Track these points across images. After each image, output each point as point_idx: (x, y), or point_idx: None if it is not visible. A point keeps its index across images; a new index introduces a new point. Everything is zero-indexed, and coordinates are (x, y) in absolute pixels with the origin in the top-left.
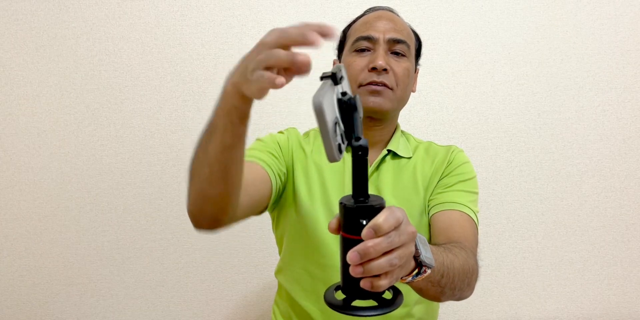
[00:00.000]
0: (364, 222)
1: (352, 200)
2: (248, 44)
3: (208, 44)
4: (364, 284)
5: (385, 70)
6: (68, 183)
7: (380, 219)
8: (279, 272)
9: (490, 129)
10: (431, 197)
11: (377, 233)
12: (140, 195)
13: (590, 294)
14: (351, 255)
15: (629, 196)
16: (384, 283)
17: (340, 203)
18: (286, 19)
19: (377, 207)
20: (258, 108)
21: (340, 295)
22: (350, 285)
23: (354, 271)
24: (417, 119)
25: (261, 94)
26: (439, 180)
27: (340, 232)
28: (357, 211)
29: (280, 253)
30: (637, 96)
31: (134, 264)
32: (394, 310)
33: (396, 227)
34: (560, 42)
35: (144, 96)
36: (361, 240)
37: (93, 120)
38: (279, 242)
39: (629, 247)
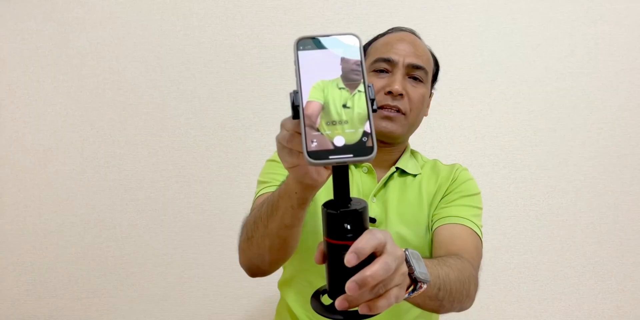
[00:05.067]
0: (348, 227)
1: (335, 206)
2: (250, 63)
3: (210, 63)
4: (362, 309)
5: (401, 95)
6: (73, 199)
7: (361, 242)
8: (282, 284)
9: (487, 146)
10: (435, 212)
11: (359, 257)
12: (143, 211)
13: (585, 308)
14: (349, 285)
15: (623, 212)
16: (381, 304)
17: (323, 209)
18: (287, 38)
19: (360, 211)
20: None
21: (326, 300)
22: (336, 290)
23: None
24: (415, 137)
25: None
26: (443, 197)
27: (325, 238)
28: (341, 216)
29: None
30: (631, 115)
31: (138, 278)
32: (378, 313)
33: (382, 252)
34: (555, 61)
35: (148, 114)
36: (346, 245)
37: (97, 138)
38: None
39: (622, 262)
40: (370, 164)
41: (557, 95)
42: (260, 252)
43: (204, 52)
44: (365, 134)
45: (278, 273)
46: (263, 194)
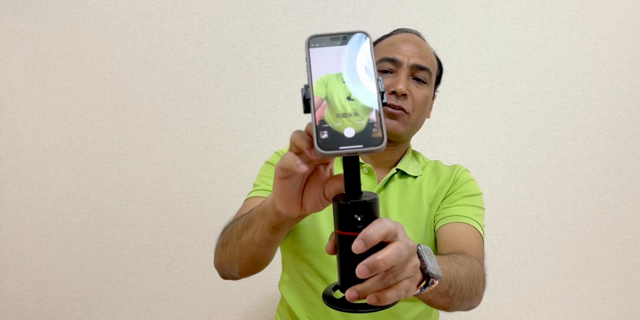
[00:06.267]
0: (359, 218)
1: (346, 197)
2: (249, 63)
3: (210, 63)
4: (370, 300)
5: (404, 95)
6: (73, 199)
7: (369, 230)
8: (282, 284)
9: (487, 146)
10: (437, 213)
11: (367, 244)
12: (143, 211)
13: (585, 308)
14: (360, 268)
15: (623, 212)
16: (391, 295)
17: (334, 201)
18: (287, 38)
19: (370, 202)
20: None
21: (339, 295)
22: (347, 282)
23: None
24: (415, 136)
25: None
26: (444, 198)
27: (336, 230)
28: (351, 207)
29: (283, 265)
30: (630, 114)
31: (138, 278)
32: (391, 306)
33: (391, 240)
34: (555, 61)
35: (148, 114)
36: (356, 236)
37: (97, 138)
38: (284, 255)
39: (622, 262)
40: (370, 165)
41: (557, 95)
42: (231, 261)
43: (203, 52)
44: (372, 124)
45: (278, 273)
46: (251, 197)
